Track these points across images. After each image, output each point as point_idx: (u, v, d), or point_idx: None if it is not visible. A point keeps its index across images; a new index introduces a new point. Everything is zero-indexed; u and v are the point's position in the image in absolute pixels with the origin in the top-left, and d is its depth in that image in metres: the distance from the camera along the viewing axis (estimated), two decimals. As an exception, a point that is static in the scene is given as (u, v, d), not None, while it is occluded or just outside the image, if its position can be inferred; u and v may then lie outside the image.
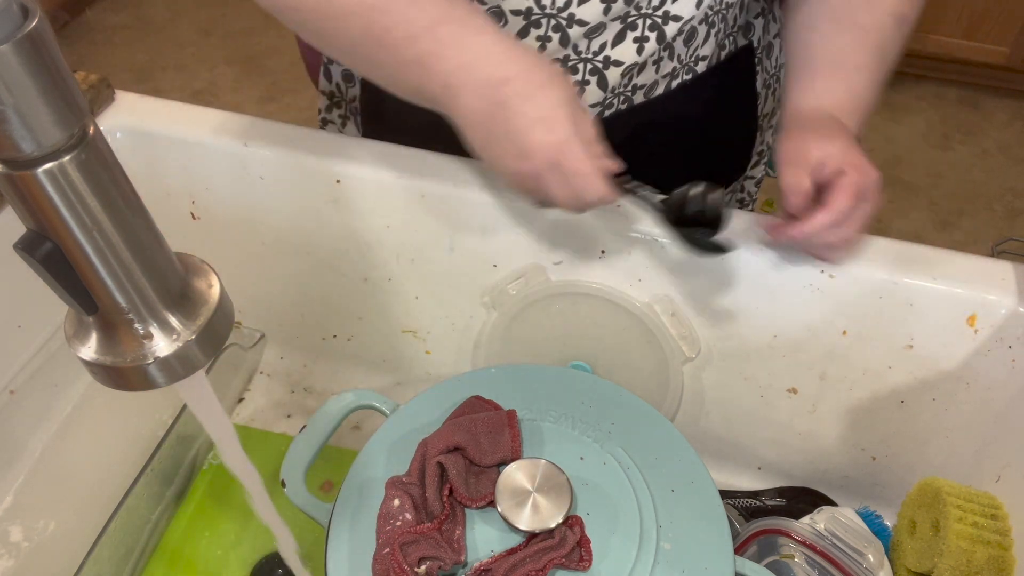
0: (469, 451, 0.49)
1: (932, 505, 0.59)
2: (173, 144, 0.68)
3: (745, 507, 0.69)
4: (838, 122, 0.55)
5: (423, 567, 0.44)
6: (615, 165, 0.51)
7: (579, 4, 0.55)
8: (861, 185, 0.52)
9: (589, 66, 0.57)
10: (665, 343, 0.64)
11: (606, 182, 0.50)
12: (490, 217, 0.64)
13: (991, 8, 2.04)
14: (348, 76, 0.65)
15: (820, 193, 0.53)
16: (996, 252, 0.62)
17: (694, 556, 0.47)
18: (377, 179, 0.64)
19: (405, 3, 0.47)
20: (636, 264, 0.62)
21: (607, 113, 0.63)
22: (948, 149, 2.15)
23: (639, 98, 0.63)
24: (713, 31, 0.63)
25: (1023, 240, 0.63)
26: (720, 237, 0.53)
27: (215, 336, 0.35)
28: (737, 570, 0.48)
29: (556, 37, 0.56)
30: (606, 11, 0.56)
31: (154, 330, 0.33)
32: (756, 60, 0.70)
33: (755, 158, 0.77)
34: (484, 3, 0.56)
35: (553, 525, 0.46)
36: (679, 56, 0.62)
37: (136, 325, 0.33)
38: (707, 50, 0.63)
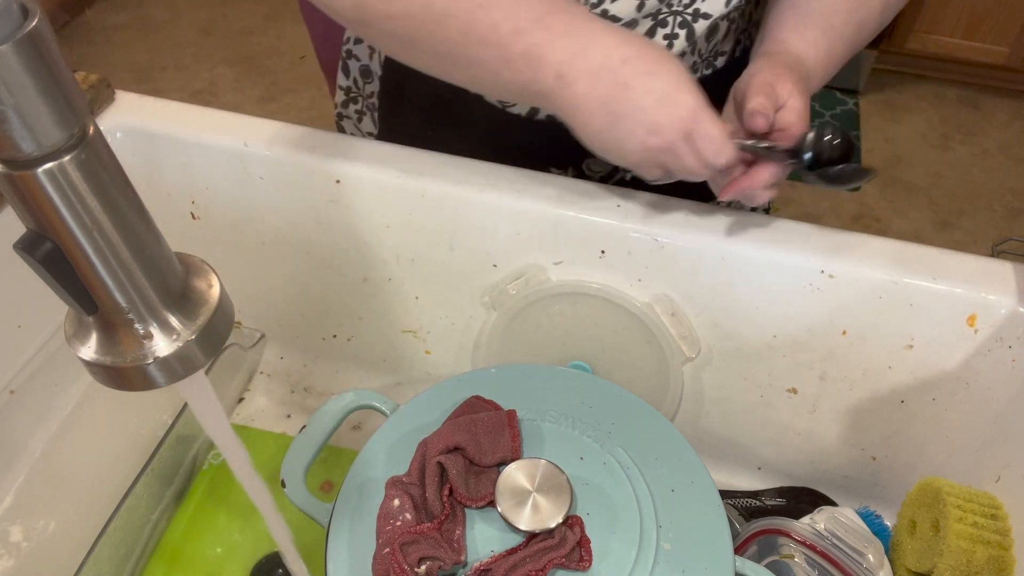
0: (469, 451, 0.49)
1: (932, 505, 0.59)
2: (173, 144, 0.68)
3: (745, 507, 0.69)
4: (808, 77, 0.55)
5: (423, 567, 0.44)
6: (732, 128, 0.52)
7: (612, 0, 0.55)
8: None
9: (679, 19, 0.57)
10: (665, 343, 0.64)
11: (732, 145, 0.50)
12: (490, 217, 0.64)
13: (991, 8, 2.04)
14: (366, 72, 0.66)
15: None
16: (996, 252, 0.62)
17: (694, 556, 0.47)
18: (377, 179, 0.64)
19: (511, 1, 0.47)
20: (636, 264, 0.62)
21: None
22: (948, 149, 2.15)
23: (712, 65, 0.63)
24: (733, 27, 0.64)
25: (1023, 240, 0.63)
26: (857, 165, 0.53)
27: (215, 336, 0.35)
28: (737, 570, 0.48)
29: None
30: (639, 8, 0.56)
31: (154, 330, 0.33)
32: None
33: None
34: None
35: (553, 525, 0.46)
36: (700, 51, 0.62)
37: (136, 325, 0.33)
38: (726, 45, 0.64)
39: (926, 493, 0.60)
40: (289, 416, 0.78)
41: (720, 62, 0.64)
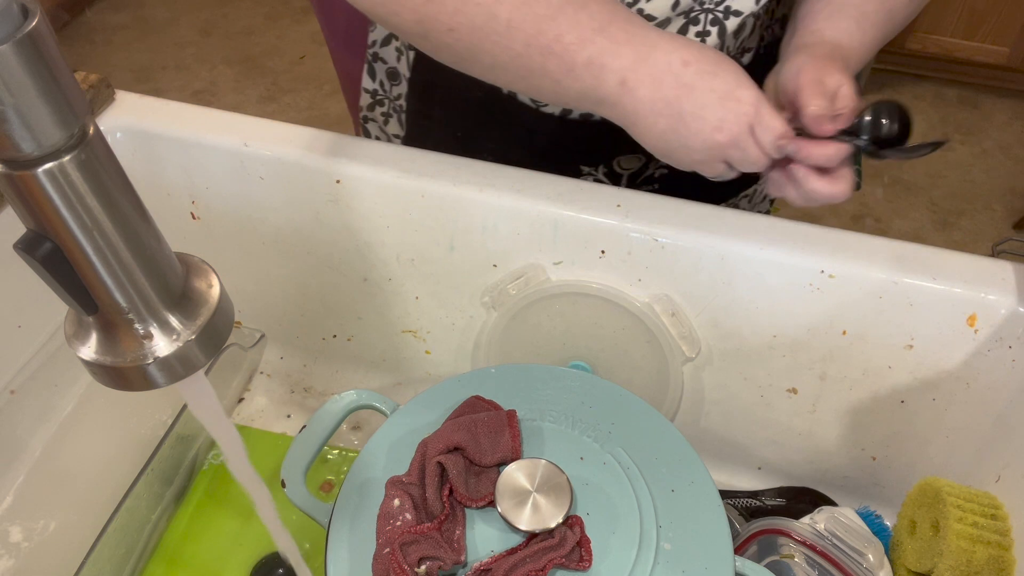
0: (469, 451, 0.49)
1: (932, 505, 0.59)
2: (173, 144, 0.68)
3: (745, 507, 0.69)
4: (848, 63, 0.56)
5: (423, 567, 0.44)
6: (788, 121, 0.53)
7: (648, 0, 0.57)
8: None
9: (710, 16, 0.59)
10: (665, 343, 0.64)
11: (792, 132, 0.52)
12: (490, 217, 0.64)
13: (991, 8, 2.04)
14: (393, 74, 0.66)
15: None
16: (996, 252, 0.62)
17: (694, 556, 0.47)
18: (377, 179, 0.64)
19: (574, 9, 0.48)
20: (636, 264, 0.63)
21: None
22: (948, 149, 2.15)
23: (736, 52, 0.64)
24: (758, 23, 0.64)
25: (1023, 240, 0.63)
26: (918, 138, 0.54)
27: (215, 336, 0.35)
28: (737, 570, 0.48)
29: None
30: (674, 6, 0.57)
31: (154, 330, 0.33)
32: None
33: None
34: None
35: (553, 525, 0.46)
36: (728, 48, 0.63)
37: (136, 325, 0.33)
38: (752, 41, 0.65)
39: (926, 493, 0.60)
40: (289, 416, 0.78)
41: (746, 59, 0.64)
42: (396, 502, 0.47)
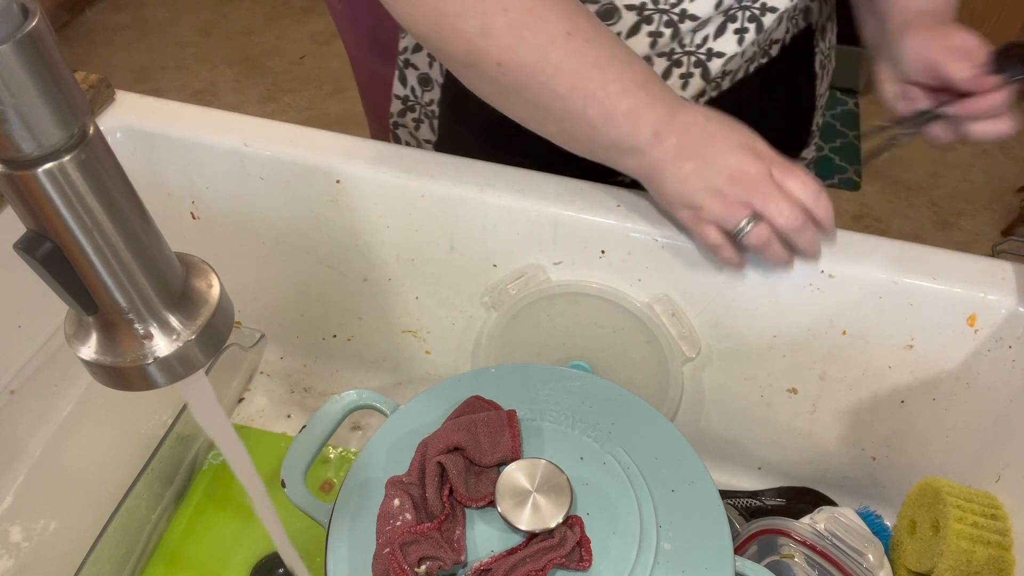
0: (469, 451, 0.49)
1: (932, 505, 0.59)
2: (173, 144, 0.68)
3: (745, 507, 0.69)
4: (953, 20, 0.58)
5: (423, 567, 0.44)
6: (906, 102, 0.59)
7: (692, 0, 0.58)
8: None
9: (693, 59, 0.61)
10: (665, 343, 0.64)
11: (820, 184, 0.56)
12: (490, 217, 0.64)
13: (991, 8, 2.04)
14: (425, 80, 0.67)
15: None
16: (996, 252, 0.62)
17: (694, 556, 0.47)
18: (377, 179, 0.64)
19: (620, 64, 0.51)
20: (636, 264, 0.63)
21: (700, 101, 0.64)
22: (948, 149, 2.15)
23: (726, 84, 0.64)
24: (786, 15, 0.65)
25: (1023, 240, 0.63)
26: None
27: (215, 336, 0.35)
28: (737, 570, 0.48)
29: (668, 32, 0.59)
30: (717, 6, 0.59)
31: (154, 330, 0.33)
32: (814, 41, 0.71)
33: (808, 139, 0.79)
34: (593, 1, 0.58)
35: (553, 525, 0.46)
36: (758, 41, 0.64)
37: (136, 325, 0.33)
38: (779, 33, 0.65)
39: (926, 493, 0.60)
40: (289, 416, 0.78)
41: (775, 50, 0.65)
42: (396, 502, 0.48)
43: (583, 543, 0.46)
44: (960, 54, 0.55)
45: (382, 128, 0.83)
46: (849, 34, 0.74)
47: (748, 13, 0.61)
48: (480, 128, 0.61)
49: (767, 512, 0.69)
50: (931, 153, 2.14)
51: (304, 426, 0.56)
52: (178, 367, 0.34)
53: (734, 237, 0.55)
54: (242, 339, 0.75)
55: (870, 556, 0.59)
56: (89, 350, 0.33)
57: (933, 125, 0.59)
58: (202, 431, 0.71)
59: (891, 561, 0.62)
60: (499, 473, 0.48)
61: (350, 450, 0.75)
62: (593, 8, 0.58)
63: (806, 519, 0.61)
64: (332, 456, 0.75)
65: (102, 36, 2.47)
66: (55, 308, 0.34)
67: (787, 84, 0.70)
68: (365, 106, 0.83)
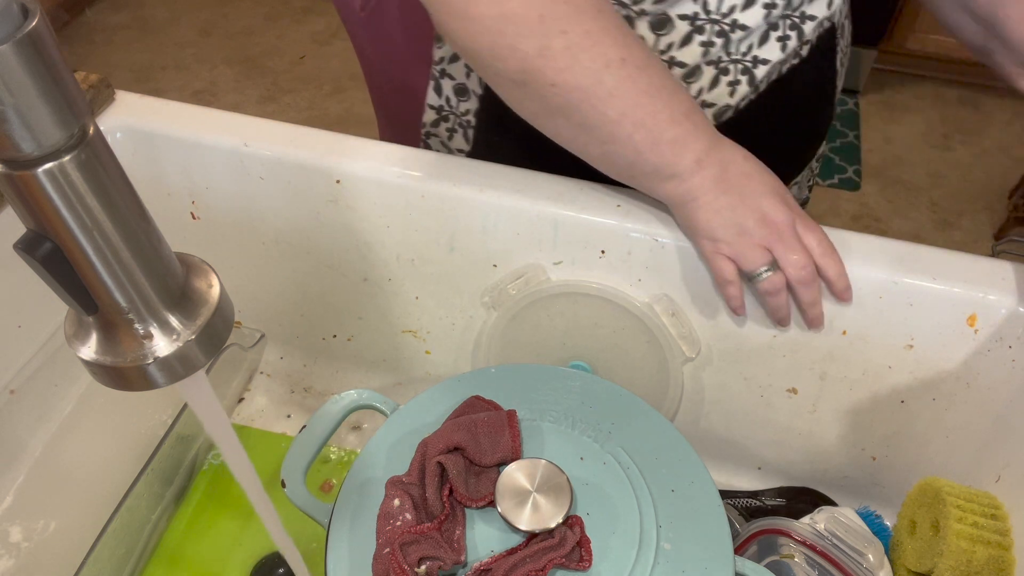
0: (469, 451, 0.49)
1: (932, 505, 0.59)
2: (173, 144, 0.68)
3: (745, 507, 0.69)
4: None
5: (423, 567, 0.44)
6: None
7: (743, 10, 0.59)
8: None
9: (740, 66, 0.62)
10: (665, 343, 0.64)
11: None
12: (490, 217, 0.64)
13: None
14: (461, 90, 0.67)
15: None
16: (996, 252, 0.62)
17: (694, 556, 0.47)
18: (377, 179, 0.64)
19: (669, 93, 0.52)
20: (636, 264, 0.63)
21: (742, 104, 0.65)
22: (948, 149, 2.15)
23: (764, 86, 0.65)
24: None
25: (1023, 240, 0.63)
26: None
27: (215, 336, 0.35)
28: (737, 570, 0.48)
29: (719, 42, 0.61)
30: (767, 16, 0.60)
31: (154, 330, 0.33)
32: (836, 40, 0.71)
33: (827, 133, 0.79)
34: (646, 12, 0.58)
35: (553, 525, 0.46)
36: (797, 46, 0.65)
37: (136, 325, 0.33)
38: (811, 34, 0.66)
39: (926, 493, 0.60)
40: (289, 416, 0.78)
41: (805, 51, 0.65)
42: (396, 502, 0.48)
43: (583, 543, 0.47)
44: None
45: (397, 133, 0.83)
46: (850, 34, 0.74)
47: (789, 21, 0.62)
48: (518, 140, 0.62)
49: (767, 512, 0.69)
50: (931, 153, 2.14)
51: (304, 426, 0.56)
52: (178, 367, 0.34)
53: (750, 278, 0.57)
54: (242, 339, 0.75)
55: (870, 556, 0.59)
56: (89, 350, 0.33)
57: None
58: (202, 431, 0.71)
59: (891, 561, 0.62)
60: (499, 473, 0.48)
61: (350, 450, 0.75)
62: (647, 18, 0.59)
63: (806, 519, 0.61)
64: (332, 456, 0.75)
65: (102, 36, 2.47)
66: (55, 308, 0.34)
67: (815, 81, 0.71)
68: (378, 111, 0.82)
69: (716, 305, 0.63)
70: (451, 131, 0.71)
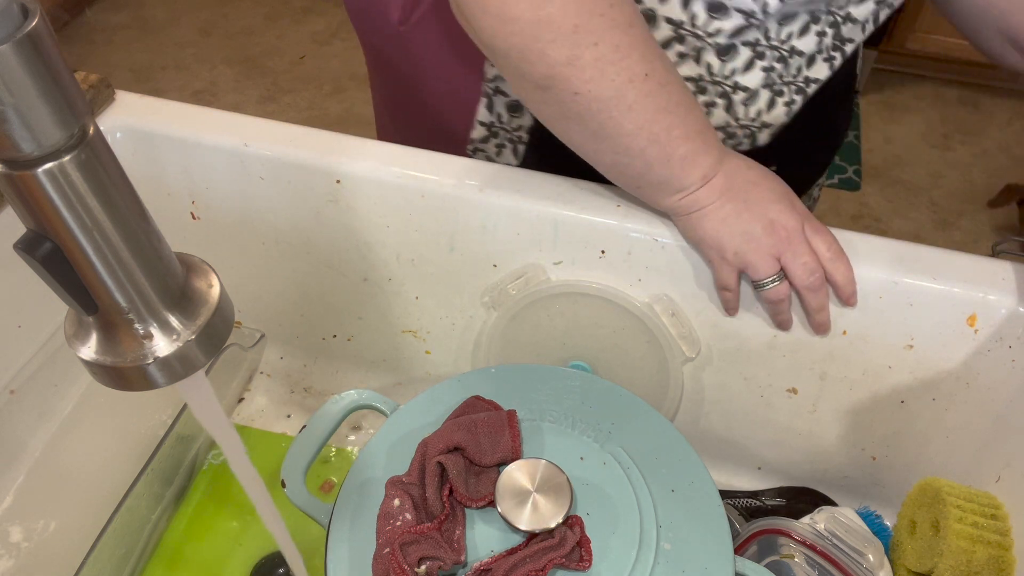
0: (469, 451, 0.49)
1: (932, 505, 0.59)
2: (173, 144, 0.68)
3: (745, 507, 0.69)
4: None
5: (423, 567, 0.44)
6: None
7: (799, 36, 0.61)
8: None
9: (794, 87, 0.64)
10: (665, 343, 0.64)
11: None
12: (490, 217, 0.64)
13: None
14: (515, 107, 0.68)
15: None
16: (996, 252, 0.62)
17: (694, 556, 0.47)
18: (377, 179, 0.64)
19: (685, 110, 0.53)
20: (636, 264, 0.63)
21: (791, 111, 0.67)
22: (948, 149, 2.15)
23: (811, 91, 0.67)
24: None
25: (1023, 240, 0.63)
26: None
27: (215, 336, 0.35)
28: (737, 570, 0.48)
29: (779, 67, 0.62)
30: (819, 42, 0.62)
31: (154, 330, 0.33)
32: (857, 46, 0.72)
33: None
34: (710, 44, 0.60)
35: (553, 525, 0.46)
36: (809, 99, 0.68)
37: (136, 325, 0.33)
38: (851, 51, 0.67)
39: (926, 493, 0.60)
40: (289, 416, 0.78)
41: (849, 48, 0.66)
42: (396, 502, 0.48)
43: (583, 543, 0.46)
44: None
45: (427, 140, 0.83)
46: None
47: (836, 42, 0.63)
48: (569, 155, 0.62)
49: (767, 512, 0.69)
50: (931, 153, 2.14)
51: (304, 426, 0.56)
52: (178, 367, 0.34)
53: (756, 286, 0.58)
54: (242, 339, 0.75)
55: (870, 556, 0.59)
56: (89, 350, 0.33)
57: None
58: (202, 431, 0.71)
59: (891, 561, 0.62)
60: (499, 473, 0.48)
61: (350, 450, 0.75)
62: (714, 48, 0.60)
63: (806, 519, 0.61)
64: (332, 456, 0.75)
65: (102, 36, 2.47)
66: (55, 308, 0.34)
67: (842, 86, 0.73)
68: (388, 117, 0.82)
69: (716, 305, 0.63)
70: (500, 146, 0.72)
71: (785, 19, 0.60)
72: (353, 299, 0.74)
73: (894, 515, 0.65)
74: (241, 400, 0.79)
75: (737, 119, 0.64)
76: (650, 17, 0.59)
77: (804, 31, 0.61)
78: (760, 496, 0.70)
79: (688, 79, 0.61)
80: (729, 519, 0.51)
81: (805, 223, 0.57)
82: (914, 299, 0.58)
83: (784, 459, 0.72)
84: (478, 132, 0.70)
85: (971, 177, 2.08)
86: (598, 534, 0.47)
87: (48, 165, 0.27)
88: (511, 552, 0.46)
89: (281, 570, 0.66)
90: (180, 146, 0.68)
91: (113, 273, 0.31)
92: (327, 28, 2.51)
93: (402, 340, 0.76)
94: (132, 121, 0.68)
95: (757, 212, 0.56)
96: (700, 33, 0.59)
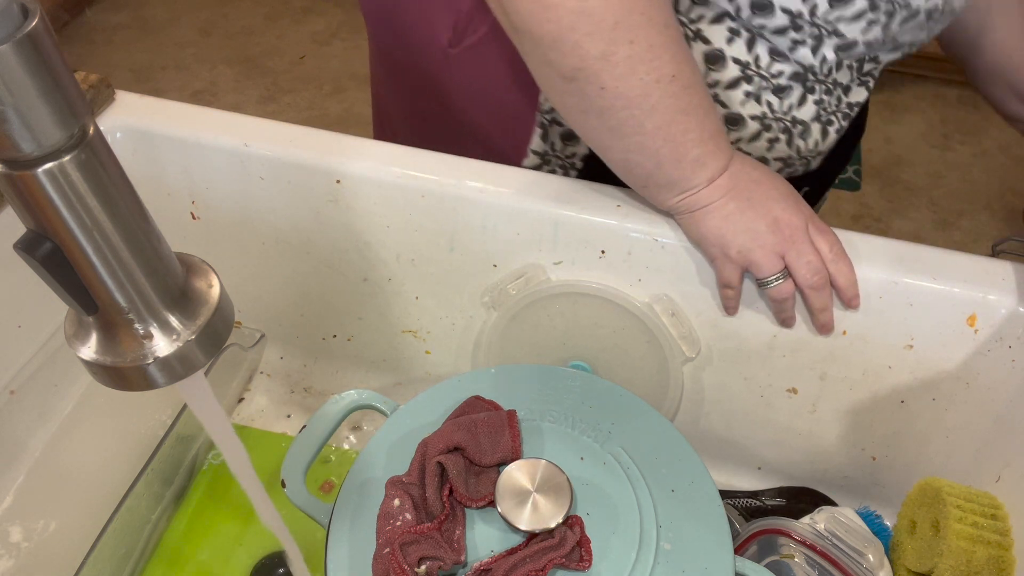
0: (469, 451, 0.49)
1: (932, 505, 0.59)
2: (173, 144, 0.68)
3: (745, 507, 0.69)
4: None
5: (423, 567, 0.44)
6: None
7: (837, 70, 0.62)
8: None
9: (840, 114, 0.66)
10: (665, 343, 0.64)
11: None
12: (490, 217, 0.64)
13: None
14: (569, 136, 0.69)
15: None
16: (996, 252, 0.62)
17: (694, 556, 0.47)
18: (377, 179, 0.64)
19: (703, 113, 0.54)
20: (636, 264, 0.63)
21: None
22: (948, 149, 2.15)
23: (854, 115, 0.69)
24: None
25: (1023, 240, 0.63)
26: None
27: (215, 336, 0.35)
28: (737, 570, 0.48)
29: (827, 98, 0.64)
30: (854, 73, 0.64)
31: (154, 330, 0.33)
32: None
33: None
34: (772, 85, 0.61)
35: (553, 525, 0.46)
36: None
37: (136, 325, 0.33)
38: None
39: (926, 493, 0.60)
40: (289, 416, 0.78)
41: (880, 68, 0.67)
42: (396, 502, 0.48)
43: (583, 543, 0.47)
44: None
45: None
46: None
47: (840, 114, 0.65)
48: (620, 183, 0.63)
49: (767, 512, 0.69)
50: (931, 153, 2.14)
51: (304, 426, 0.56)
52: (178, 367, 0.34)
53: (760, 285, 0.58)
54: (242, 339, 0.75)
55: (870, 556, 0.59)
56: (89, 350, 0.33)
57: None
58: (202, 431, 0.71)
59: (891, 561, 0.62)
60: (499, 473, 0.48)
61: (350, 450, 0.75)
62: (771, 87, 0.61)
63: (806, 519, 0.61)
64: (332, 456, 0.75)
65: (102, 36, 2.47)
66: (55, 308, 0.34)
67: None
68: (405, 126, 0.81)
69: (716, 305, 0.63)
70: (551, 172, 0.72)
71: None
72: (353, 299, 0.74)
73: (894, 515, 0.65)
74: (241, 400, 0.79)
75: (799, 151, 0.66)
76: (719, 57, 0.60)
77: (839, 65, 0.62)
78: (760, 496, 0.70)
79: (753, 117, 0.62)
80: (729, 519, 0.51)
81: (809, 222, 0.57)
82: (914, 299, 0.58)
83: (784, 459, 0.72)
84: (531, 160, 0.71)
85: (971, 177, 2.08)
86: (598, 534, 0.47)
87: (48, 165, 0.27)
88: (511, 552, 0.46)
89: (281, 570, 0.66)
90: (180, 146, 0.68)
91: (113, 273, 0.31)
92: (327, 28, 2.51)
93: (402, 340, 0.76)
94: (132, 121, 0.68)
95: (761, 210, 0.56)
96: (764, 74, 0.60)
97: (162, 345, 0.33)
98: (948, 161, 2.12)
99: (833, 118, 0.65)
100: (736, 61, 0.60)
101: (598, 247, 0.63)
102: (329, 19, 2.54)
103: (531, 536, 0.46)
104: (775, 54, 0.59)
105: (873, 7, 0.56)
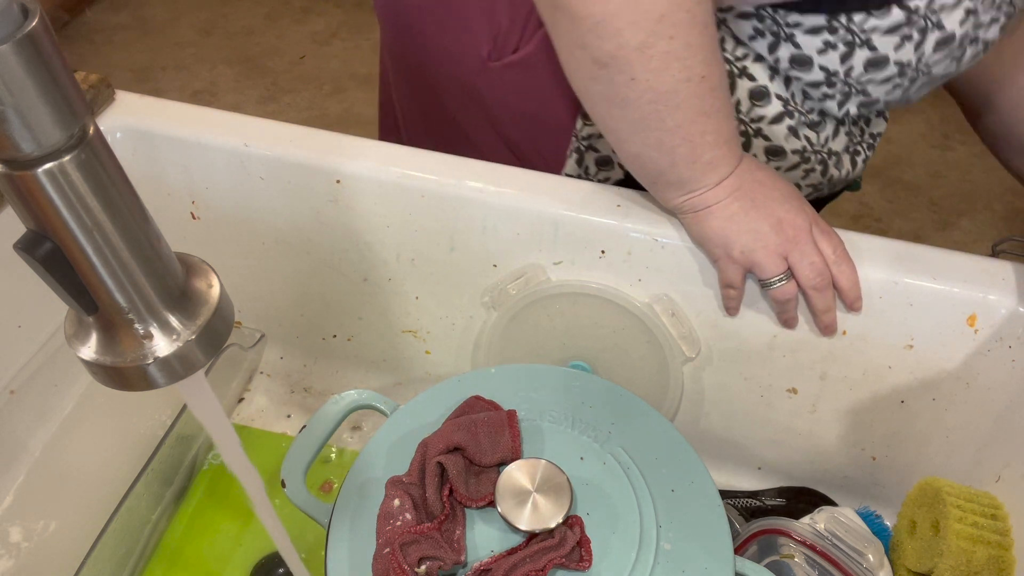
0: (469, 451, 0.49)
1: (932, 505, 0.59)
2: (173, 144, 0.68)
3: (745, 507, 0.69)
4: None
5: (423, 567, 0.44)
6: None
7: (880, 119, 0.64)
8: None
9: (864, 144, 0.68)
10: (665, 343, 0.64)
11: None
12: (490, 217, 0.64)
13: None
14: (604, 162, 0.69)
15: None
16: (996, 252, 0.62)
17: (694, 556, 0.47)
18: (377, 179, 0.64)
19: (723, 116, 0.54)
20: (636, 264, 0.63)
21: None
22: (948, 149, 2.15)
23: (876, 144, 0.71)
24: None
25: (1023, 240, 0.63)
26: None
27: (215, 336, 0.35)
28: (737, 570, 0.48)
29: (855, 130, 0.65)
30: (846, 149, 0.66)
31: (154, 330, 0.33)
32: None
33: None
34: (808, 120, 0.62)
35: (553, 525, 0.46)
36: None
37: (136, 325, 0.33)
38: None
39: (926, 493, 0.60)
40: (289, 416, 0.78)
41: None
42: (396, 502, 0.48)
43: (583, 543, 0.46)
44: None
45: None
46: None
47: (865, 144, 0.67)
48: None
49: (767, 512, 0.69)
50: (931, 153, 2.14)
51: (304, 426, 0.56)
52: (178, 367, 0.34)
53: (763, 285, 0.58)
54: (242, 339, 0.75)
55: (870, 556, 0.59)
56: (89, 350, 0.33)
57: None
58: (202, 431, 0.71)
59: (891, 561, 0.62)
60: (499, 473, 0.48)
61: (350, 450, 0.75)
62: (805, 120, 0.63)
63: (806, 519, 0.61)
64: (332, 456, 0.75)
65: (102, 36, 2.47)
66: (55, 308, 0.34)
67: None
68: (424, 135, 0.81)
69: (716, 305, 0.63)
70: None
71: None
72: (353, 299, 0.74)
73: (894, 515, 0.65)
74: (241, 400, 0.79)
75: (831, 180, 0.67)
76: (763, 93, 0.61)
77: (870, 105, 0.63)
78: (760, 496, 0.70)
79: (794, 151, 0.63)
80: (729, 519, 0.51)
81: (813, 224, 0.57)
82: (914, 299, 0.58)
83: (784, 459, 0.72)
84: None
85: (971, 177, 2.08)
86: (598, 534, 0.47)
87: (48, 165, 0.27)
88: (511, 552, 0.46)
89: (281, 570, 0.66)
90: (180, 146, 0.68)
91: (113, 273, 0.31)
92: (327, 28, 2.51)
93: (402, 340, 0.76)
94: (132, 121, 0.68)
95: (765, 211, 0.56)
96: (800, 110, 0.62)
97: (162, 345, 0.33)
98: (948, 161, 2.12)
99: (859, 148, 0.67)
100: (779, 97, 0.61)
101: (598, 247, 0.63)
102: (329, 19, 2.54)
103: (531, 536, 0.46)
104: (807, 97, 0.61)
105: (901, 74, 0.57)
